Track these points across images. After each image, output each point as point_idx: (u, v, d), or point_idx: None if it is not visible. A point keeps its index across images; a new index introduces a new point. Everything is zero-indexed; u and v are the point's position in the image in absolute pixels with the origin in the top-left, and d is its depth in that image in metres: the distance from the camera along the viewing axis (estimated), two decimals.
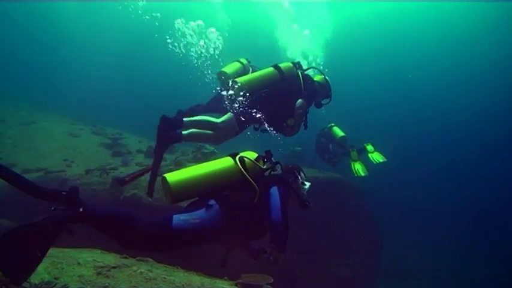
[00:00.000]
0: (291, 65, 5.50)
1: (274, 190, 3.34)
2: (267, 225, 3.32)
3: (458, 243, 16.27)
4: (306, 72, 5.65)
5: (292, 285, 7.81)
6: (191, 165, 3.42)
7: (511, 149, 26.61)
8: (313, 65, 7.93)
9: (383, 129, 26.92)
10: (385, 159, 8.53)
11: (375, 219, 12.19)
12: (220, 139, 4.97)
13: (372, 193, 15.75)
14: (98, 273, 3.72)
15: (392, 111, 29.47)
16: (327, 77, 5.85)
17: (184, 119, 4.66)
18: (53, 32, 31.79)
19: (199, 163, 3.46)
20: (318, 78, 5.83)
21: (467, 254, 15.48)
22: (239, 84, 4.99)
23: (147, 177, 7.35)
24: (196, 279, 3.80)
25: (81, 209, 2.76)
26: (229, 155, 3.54)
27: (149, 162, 8.56)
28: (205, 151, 8.86)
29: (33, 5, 28.58)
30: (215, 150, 9.15)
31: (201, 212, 3.10)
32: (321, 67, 6.40)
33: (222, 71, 5.70)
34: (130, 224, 2.86)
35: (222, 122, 4.86)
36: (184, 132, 4.61)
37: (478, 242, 16.40)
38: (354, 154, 8.95)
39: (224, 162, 3.43)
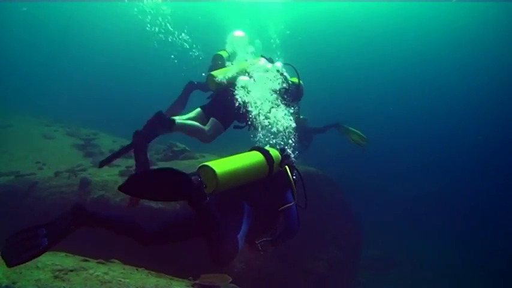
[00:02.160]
0: (264, 59, 5.54)
1: (289, 195, 3.56)
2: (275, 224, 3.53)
3: (445, 235, 16.34)
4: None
5: (267, 282, 7.82)
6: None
7: (503, 143, 27.05)
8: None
9: (372, 122, 27.33)
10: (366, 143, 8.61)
11: (354, 212, 12.21)
12: (210, 141, 4.93)
13: (356, 186, 15.85)
14: (55, 277, 3.75)
15: (384, 104, 29.79)
16: (301, 81, 5.90)
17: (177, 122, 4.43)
18: (34, 33, 31.37)
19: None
20: (293, 79, 5.89)
21: (454, 246, 15.57)
22: (215, 78, 5.01)
23: (116, 177, 7.38)
24: (151, 281, 3.81)
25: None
26: (257, 150, 3.55)
27: (120, 161, 8.52)
28: (176, 149, 8.87)
29: (13, 4, 28.00)
30: (186, 148, 9.15)
31: (245, 226, 3.13)
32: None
33: (218, 54, 5.77)
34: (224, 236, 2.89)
35: (209, 129, 4.79)
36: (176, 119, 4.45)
37: (465, 234, 16.47)
38: (345, 128, 9.11)
39: (256, 157, 3.42)
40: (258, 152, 3.48)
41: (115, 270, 3.95)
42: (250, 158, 3.37)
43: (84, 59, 30.30)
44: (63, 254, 4.66)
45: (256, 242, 3.45)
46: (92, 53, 30.29)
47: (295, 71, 5.88)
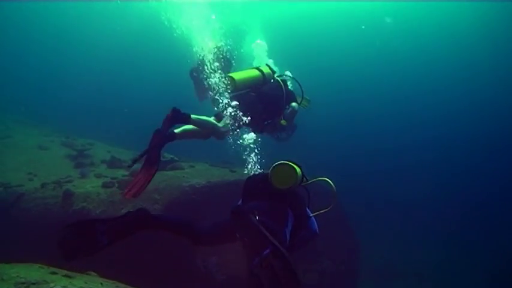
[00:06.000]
0: (269, 69, 5.60)
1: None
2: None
3: (448, 238, 16.08)
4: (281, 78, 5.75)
5: None
6: None
7: (502, 144, 26.80)
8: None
9: (368, 122, 27.23)
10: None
11: (352, 219, 12.02)
12: (224, 137, 5.10)
13: (355, 190, 15.63)
14: None
15: (383, 102, 29.65)
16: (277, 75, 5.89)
17: (192, 116, 4.64)
18: (37, 39, 31.52)
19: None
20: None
21: (458, 250, 15.30)
22: (235, 80, 5.08)
23: (98, 189, 7.40)
24: None
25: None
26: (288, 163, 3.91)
27: (110, 172, 8.56)
28: (163, 159, 8.84)
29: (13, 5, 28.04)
30: (174, 158, 9.15)
31: (290, 225, 3.62)
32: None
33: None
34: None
35: (224, 127, 5.00)
36: (176, 130, 4.59)
37: (469, 237, 16.19)
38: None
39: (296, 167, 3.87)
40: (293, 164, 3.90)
41: (75, 285, 3.92)
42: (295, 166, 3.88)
43: (88, 64, 30.25)
44: (37, 266, 4.65)
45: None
46: (96, 58, 30.19)
47: (290, 79, 5.94)
